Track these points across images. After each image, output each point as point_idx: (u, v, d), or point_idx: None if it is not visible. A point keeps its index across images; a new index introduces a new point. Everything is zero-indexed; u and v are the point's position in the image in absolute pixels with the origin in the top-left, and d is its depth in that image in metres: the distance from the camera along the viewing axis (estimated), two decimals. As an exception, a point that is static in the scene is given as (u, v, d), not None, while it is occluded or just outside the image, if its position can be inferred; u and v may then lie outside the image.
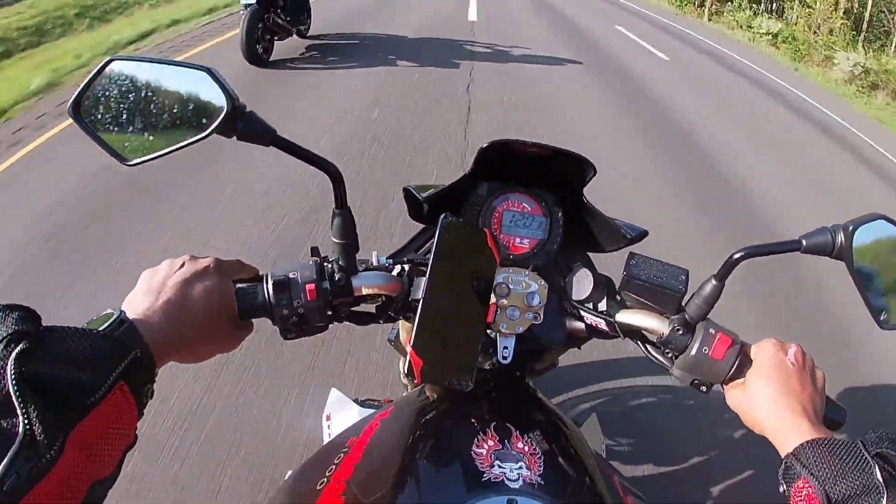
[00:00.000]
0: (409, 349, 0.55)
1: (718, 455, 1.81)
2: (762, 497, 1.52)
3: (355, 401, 1.06)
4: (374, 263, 0.65)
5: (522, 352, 0.66)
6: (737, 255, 0.58)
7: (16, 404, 0.33)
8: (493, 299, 0.62)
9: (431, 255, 0.57)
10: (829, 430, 0.52)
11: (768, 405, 0.54)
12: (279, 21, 4.77)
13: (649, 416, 1.92)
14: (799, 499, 0.47)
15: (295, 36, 5.34)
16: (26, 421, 0.33)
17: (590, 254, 0.80)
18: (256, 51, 4.59)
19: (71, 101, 0.52)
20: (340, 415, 1.03)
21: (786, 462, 0.49)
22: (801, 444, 0.48)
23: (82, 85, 0.52)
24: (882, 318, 0.61)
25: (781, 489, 0.49)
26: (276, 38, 4.96)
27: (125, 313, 0.45)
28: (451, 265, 0.59)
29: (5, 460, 0.32)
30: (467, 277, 0.60)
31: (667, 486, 1.68)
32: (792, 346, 0.58)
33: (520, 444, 0.55)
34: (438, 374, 0.58)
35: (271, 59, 4.89)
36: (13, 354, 0.34)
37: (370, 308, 0.67)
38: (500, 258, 0.73)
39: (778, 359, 0.56)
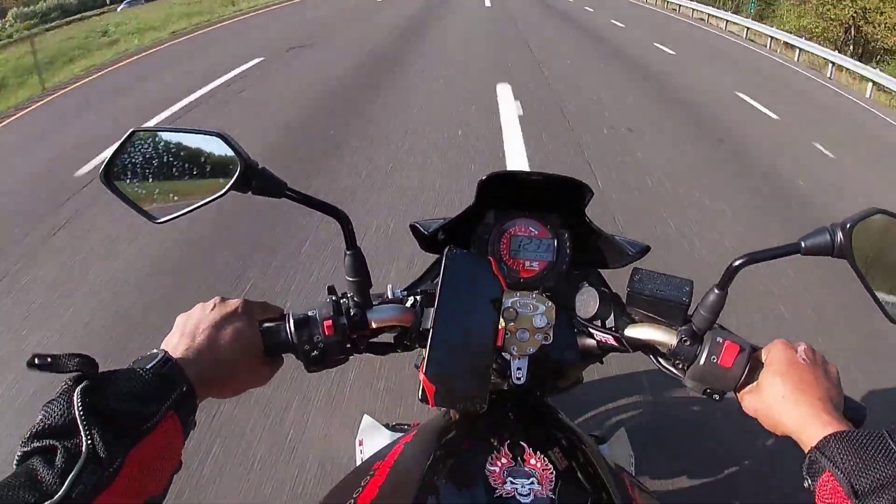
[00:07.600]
0: (421, 376, 0.58)
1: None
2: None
3: (386, 426, 1.09)
4: (389, 296, 0.69)
5: (539, 372, 0.68)
6: (737, 263, 0.59)
7: (80, 427, 0.39)
8: (501, 323, 0.64)
9: (438, 286, 0.61)
10: (851, 424, 0.50)
11: (785, 403, 0.53)
12: None
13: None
14: (824, 493, 0.46)
15: None
16: (89, 441, 0.39)
17: (601, 270, 0.81)
18: None
19: (101, 170, 0.57)
20: (372, 439, 1.06)
21: (809, 457, 0.48)
22: (825, 438, 0.47)
23: (109, 155, 0.57)
24: (892, 312, 0.59)
25: (806, 484, 0.48)
26: None
27: (168, 353, 0.50)
28: (459, 294, 0.62)
29: (74, 471, 0.37)
30: (475, 304, 0.63)
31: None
32: (801, 344, 0.57)
33: (532, 461, 0.57)
34: (451, 399, 0.61)
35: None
36: (78, 389, 0.41)
37: (389, 338, 0.70)
38: (512, 282, 0.76)
39: (788, 357, 0.56)
